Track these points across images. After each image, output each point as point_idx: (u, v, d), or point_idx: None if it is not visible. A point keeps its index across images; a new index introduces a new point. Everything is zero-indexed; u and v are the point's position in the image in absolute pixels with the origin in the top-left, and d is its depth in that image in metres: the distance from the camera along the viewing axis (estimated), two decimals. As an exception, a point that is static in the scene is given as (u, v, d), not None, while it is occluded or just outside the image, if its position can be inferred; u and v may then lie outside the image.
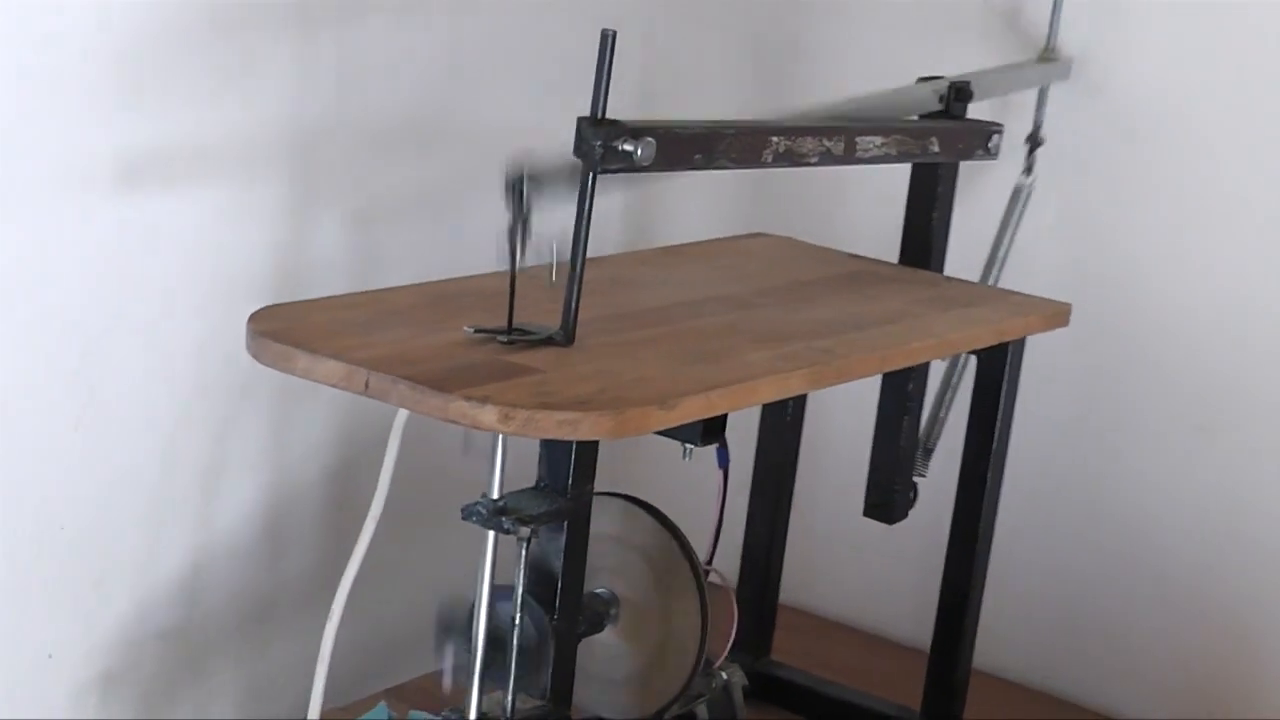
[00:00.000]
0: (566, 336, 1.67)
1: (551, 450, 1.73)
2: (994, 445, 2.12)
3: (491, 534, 1.70)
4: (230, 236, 2.12)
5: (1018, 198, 2.33)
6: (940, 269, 2.21)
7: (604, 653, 1.90)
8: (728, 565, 2.08)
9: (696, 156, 1.76)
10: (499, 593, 1.73)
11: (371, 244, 2.27)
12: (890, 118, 2.07)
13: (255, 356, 1.66)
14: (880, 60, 2.47)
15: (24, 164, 1.90)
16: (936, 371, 2.25)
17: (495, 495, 1.69)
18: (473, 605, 1.73)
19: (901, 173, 2.18)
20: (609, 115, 1.63)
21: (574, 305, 1.67)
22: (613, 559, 1.89)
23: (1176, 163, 2.32)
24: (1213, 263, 2.32)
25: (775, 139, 1.84)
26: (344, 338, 1.66)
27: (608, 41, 1.60)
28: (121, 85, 1.97)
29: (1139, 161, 2.34)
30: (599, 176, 1.64)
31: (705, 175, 2.34)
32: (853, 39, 2.51)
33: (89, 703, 2.11)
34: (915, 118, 2.14)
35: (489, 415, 1.52)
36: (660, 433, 1.74)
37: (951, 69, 2.20)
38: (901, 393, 2.15)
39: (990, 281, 2.30)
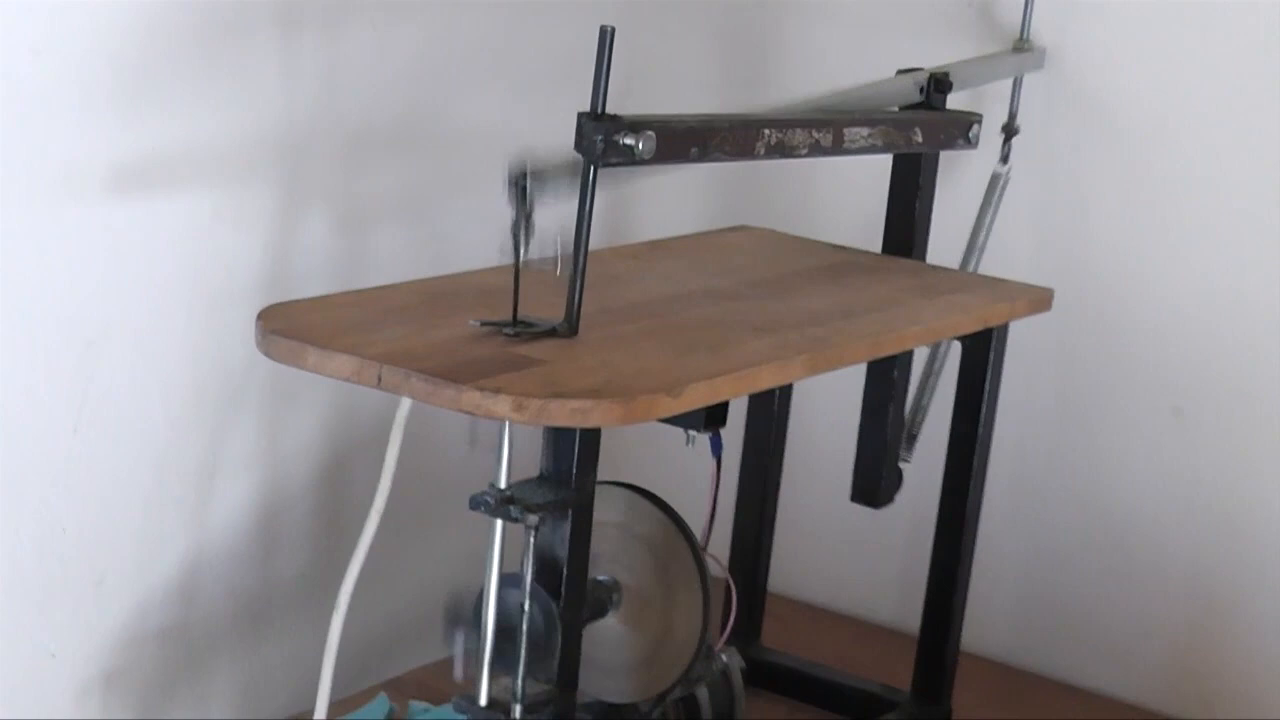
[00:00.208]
0: (570, 328, 1.71)
1: (556, 441, 1.75)
2: (979, 429, 2.16)
3: (499, 523, 1.72)
4: (221, 239, 2.14)
5: (994, 186, 2.36)
6: (923, 257, 2.25)
7: (607, 638, 1.92)
8: (718, 554, 2.10)
9: (693, 149, 1.79)
10: (505, 580, 1.75)
11: (359, 245, 2.30)
12: (874, 109, 2.10)
13: (267, 353, 1.68)
14: (853, 54, 2.51)
15: (18, 169, 1.92)
16: (918, 360, 2.28)
17: (503, 485, 1.72)
18: (480, 593, 1.75)
19: (872, 163, 2.21)
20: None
21: (578, 298, 1.70)
22: (615, 546, 1.92)
23: (1150, 150, 2.36)
24: (1186, 250, 2.36)
25: (768, 131, 1.88)
26: (351, 334, 1.69)
27: (606, 37, 1.63)
28: (114, 91, 1.99)
29: (1113, 149, 2.38)
30: (600, 171, 1.67)
31: (680, 168, 2.37)
32: (826, 33, 2.55)
33: (92, 701, 2.13)
34: (896, 109, 2.17)
35: (502, 405, 1.55)
36: (665, 420, 1.78)
37: (925, 62, 2.24)
38: (886, 380, 2.18)
39: (970, 269, 2.34)
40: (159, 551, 2.16)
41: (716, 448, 2.01)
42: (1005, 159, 2.37)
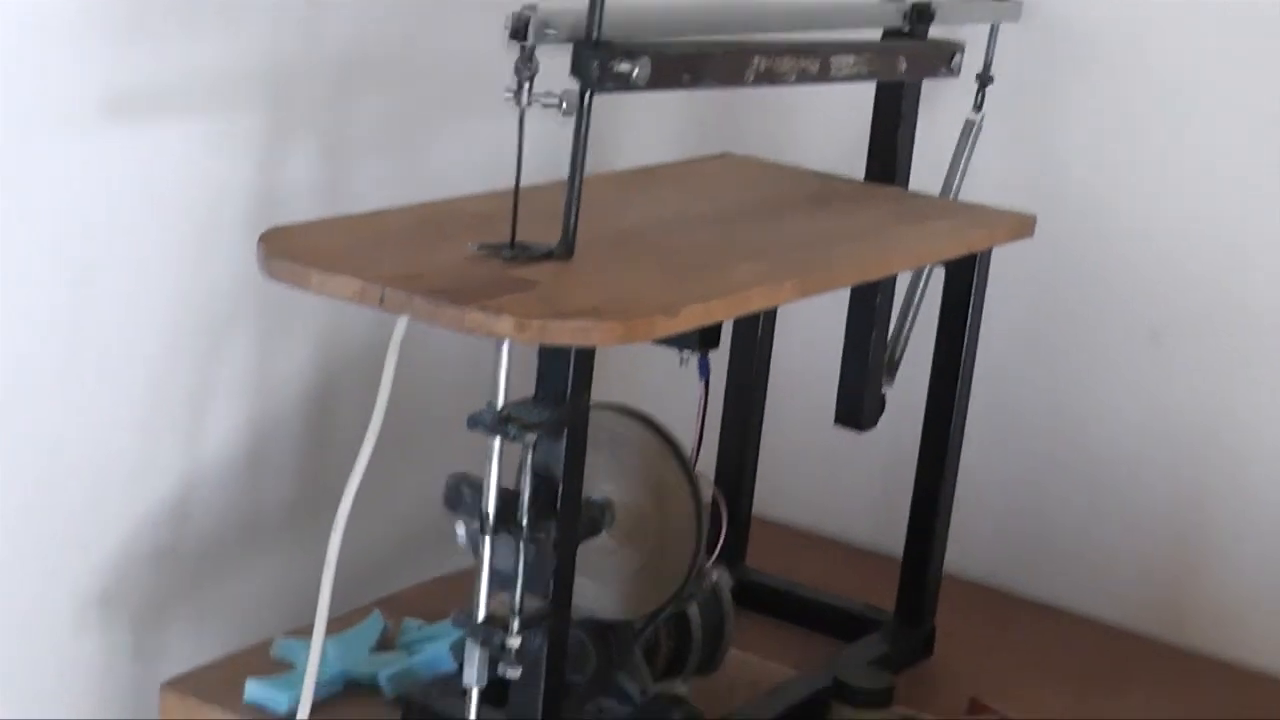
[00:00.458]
0: (567, 251, 1.74)
1: (550, 362, 1.79)
2: (962, 354, 2.20)
3: (496, 441, 1.75)
4: (212, 167, 2.17)
5: (969, 132, 2.39)
6: (905, 185, 2.28)
7: (601, 556, 1.96)
8: (706, 475, 2.14)
9: (685, 76, 1.82)
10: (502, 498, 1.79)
11: (347, 172, 2.32)
12: (853, 29, 2.13)
13: (269, 275, 1.72)
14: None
15: (11, 100, 1.95)
16: (901, 286, 2.32)
17: (500, 404, 1.75)
18: (479, 482, 1.78)
19: (849, 93, 2.24)
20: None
21: (573, 221, 1.73)
22: (608, 466, 1.95)
23: (1123, 82, 2.40)
24: (1162, 180, 2.40)
25: (757, 59, 1.91)
26: (353, 256, 1.72)
27: (598, -35, 1.66)
28: (106, 21, 2.01)
29: (1086, 84, 2.42)
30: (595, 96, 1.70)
31: (658, 99, 2.40)
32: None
33: (90, 621, 2.17)
34: (880, 36, 2.21)
35: (505, 324, 1.58)
36: (660, 341, 1.82)
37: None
38: (869, 306, 2.22)
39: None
40: (153, 473, 2.20)
41: (704, 371, 2.06)
42: (979, 106, 2.39)
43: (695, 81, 1.84)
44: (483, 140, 1.69)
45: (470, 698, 1.83)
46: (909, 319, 2.36)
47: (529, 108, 1.66)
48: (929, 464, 2.25)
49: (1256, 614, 2.41)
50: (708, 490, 2.00)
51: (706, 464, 2.19)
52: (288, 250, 1.73)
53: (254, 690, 2.03)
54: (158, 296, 2.15)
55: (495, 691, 1.87)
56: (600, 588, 1.97)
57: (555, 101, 1.68)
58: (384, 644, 2.17)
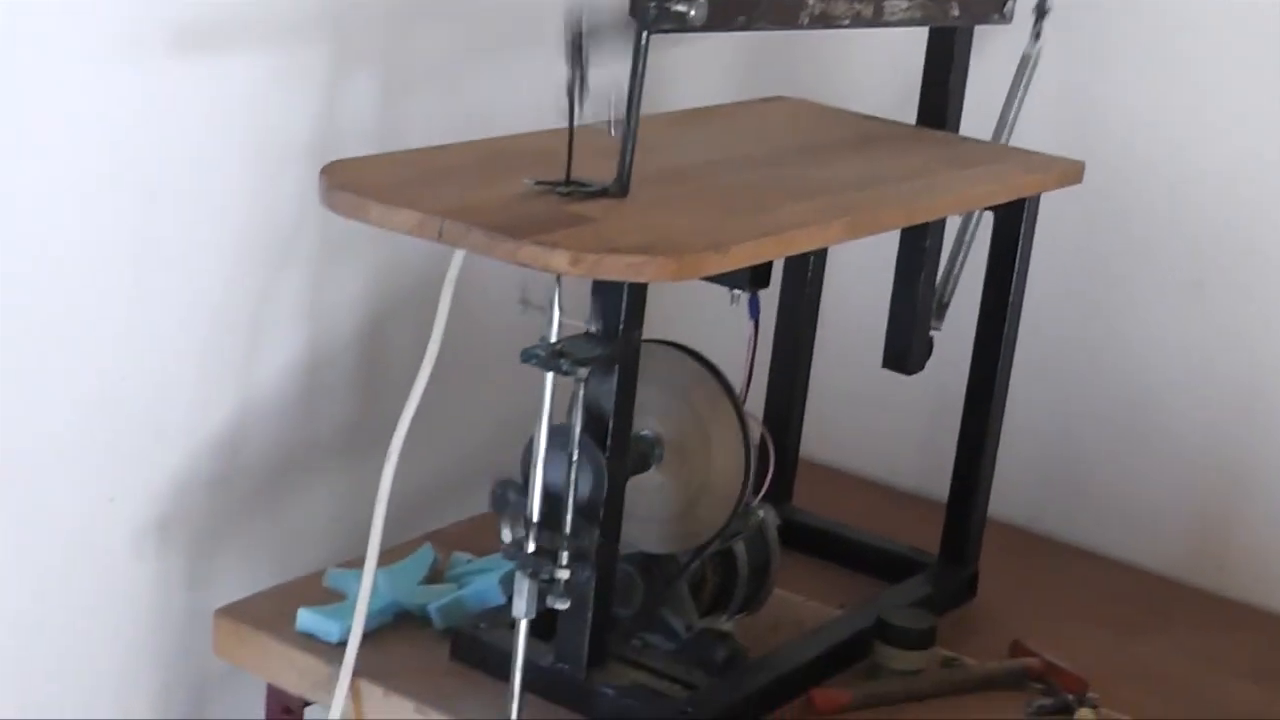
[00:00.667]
0: (621, 188, 1.76)
1: (604, 297, 1.82)
2: (1010, 299, 2.22)
3: (550, 376, 1.78)
4: (273, 101, 2.19)
5: (1025, 66, 2.40)
6: (956, 130, 2.29)
7: (649, 491, 1.98)
8: (754, 414, 2.16)
9: (740, 18, 1.84)
10: (554, 433, 1.82)
11: (407, 107, 2.34)
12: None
13: (330, 207, 1.74)
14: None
15: (80, 32, 1.97)
16: (950, 230, 2.33)
17: (553, 339, 1.78)
18: (527, 458, 1.81)
19: (901, 38, 2.25)
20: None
21: (628, 159, 1.75)
22: (659, 402, 1.97)
23: (1175, 27, 2.40)
24: (1206, 125, 2.41)
25: (812, 2, 1.93)
26: (412, 190, 1.75)
27: (657, -96, 1.68)
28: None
29: (1138, 27, 2.43)
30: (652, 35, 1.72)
31: (713, 42, 2.42)
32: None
33: (147, 547, 2.21)
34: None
35: (560, 259, 1.61)
36: (710, 279, 1.84)
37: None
38: (919, 249, 2.24)
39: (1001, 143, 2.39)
40: (211, 402, 2.24)
41: (754, 310, 2.08)
42: (1036, 38, 2.40)
43: (750, 23, 1.86)
44: (540, 76, 1.71)
45: (519, 629, 1.86)
46: (958, 263, 2.37)
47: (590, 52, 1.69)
48: (975, 408, 2.26)
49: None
50: (756, 429, 2.03)
51: (755, 404, 2.21)
52: (348, 183, 1.75)
53: (305, 619, 2.06)
54: (219, 228, 2.18)
55: (542, 625, 1.91)
56: (648, 522, 2.00)
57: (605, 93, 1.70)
58: (433, 577, 2.20)
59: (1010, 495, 2.49)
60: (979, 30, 2.27)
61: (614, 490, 1.86)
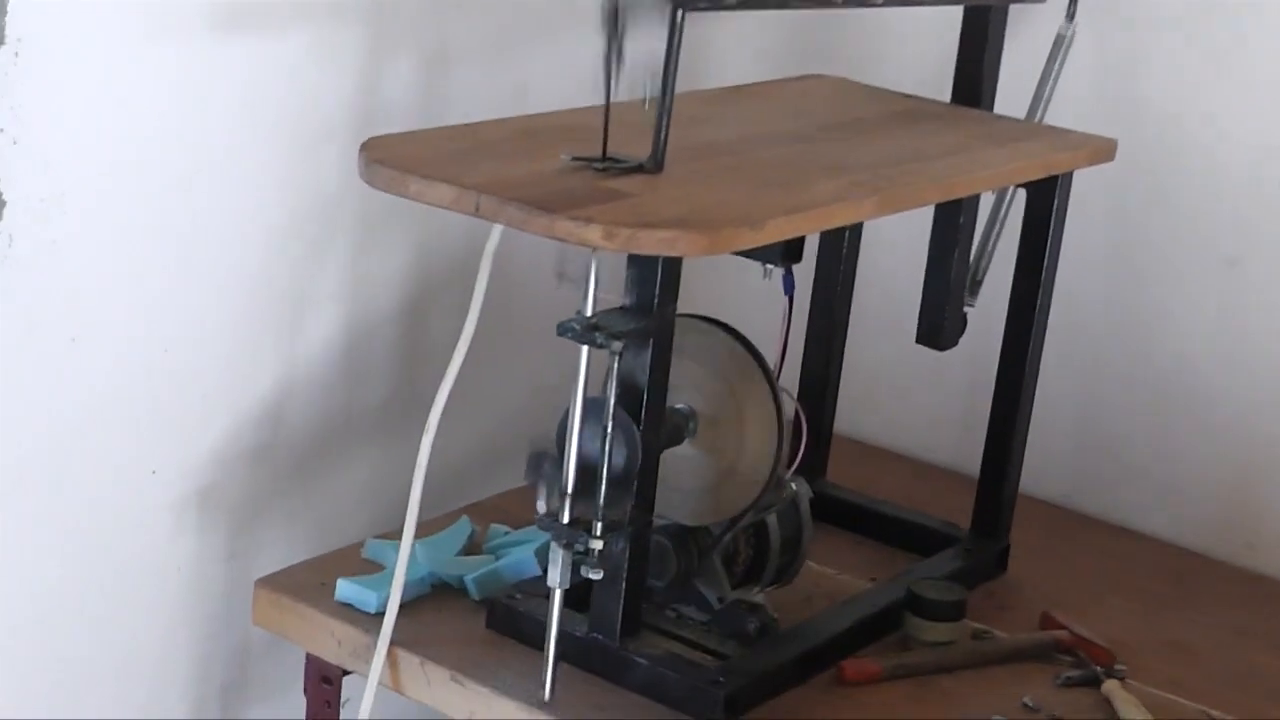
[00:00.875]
0: (656, 164, 1.79)
1: (639, 271, 1.84)
2: (1043, 275, 2.23)
3: (585, 349, 1.80)
4: (314, 78, 2.21)
5: (1060, 45, 2.41)
6: (990, 109, 2.31)
7: (683, 463, 2.01)
8: (788, 389, 2.18)
9: (775, -3, 1.86)
10: (588, 406, 1.84)
11: (445, 85, 2.37)
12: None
13: (370, 182, 1.77)
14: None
15: (121, 12, 2.00)
16: (984, 207, 2.35)
17: (589, 313, 1.80)
18: (562, 431, 1.84)
19: (936, 17, 2.26)
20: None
21: (663, 135, 1.78)
22: (693, 376, 2.00)
23: (1211, 6, 2.42)
24: (1243, 103, 2.42)
25: (847, -20, 1.95)
26: (449, 165, 1.78)
27: (696, -116, 1.70)
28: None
29: (1174, 5, 2.44)
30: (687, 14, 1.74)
31: (750, 21, 2.44)
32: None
33: (187, 518, 2.24)
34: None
35: (594, 233, 1.63)
36: (743, 253, 1.87)
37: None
38: (953, 225, 2.26)
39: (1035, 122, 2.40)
40: (253, 374, 2.26)
41: (789, 286, 2.09)
42: (1071, 17, 2.40)
43: (786, 2, 1.88)
44: (584, 58, 1.73)
45: (554, 599, 1.88)
46: (991, 239, 2.38)
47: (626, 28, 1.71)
48: (1007, 381, 2.28)
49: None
50: (789, 403, 2.05)
51: (790, 379, 2.23)
52: (387, 158, 1.78)
53: (345, 589, 2.09)
54: (261, 204, 2.21)
55: (577, 595, 1.93)
56: (681, 494, 2.02)
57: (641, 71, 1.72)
58: (471, 548, 2.23)
59: (1044, 472, 2.52)
60: (1014, 9, 2.29)
61: (648, 462, 1.89)
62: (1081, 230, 2.41)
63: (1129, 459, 2.56)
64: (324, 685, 2.12)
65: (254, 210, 2.20)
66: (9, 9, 1.87)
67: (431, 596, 2.12)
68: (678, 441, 2.00)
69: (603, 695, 1.94)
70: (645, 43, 1.74)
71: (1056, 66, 2.37)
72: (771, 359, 2.04)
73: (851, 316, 2.38)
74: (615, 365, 1.83)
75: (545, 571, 1.89)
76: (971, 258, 2.32)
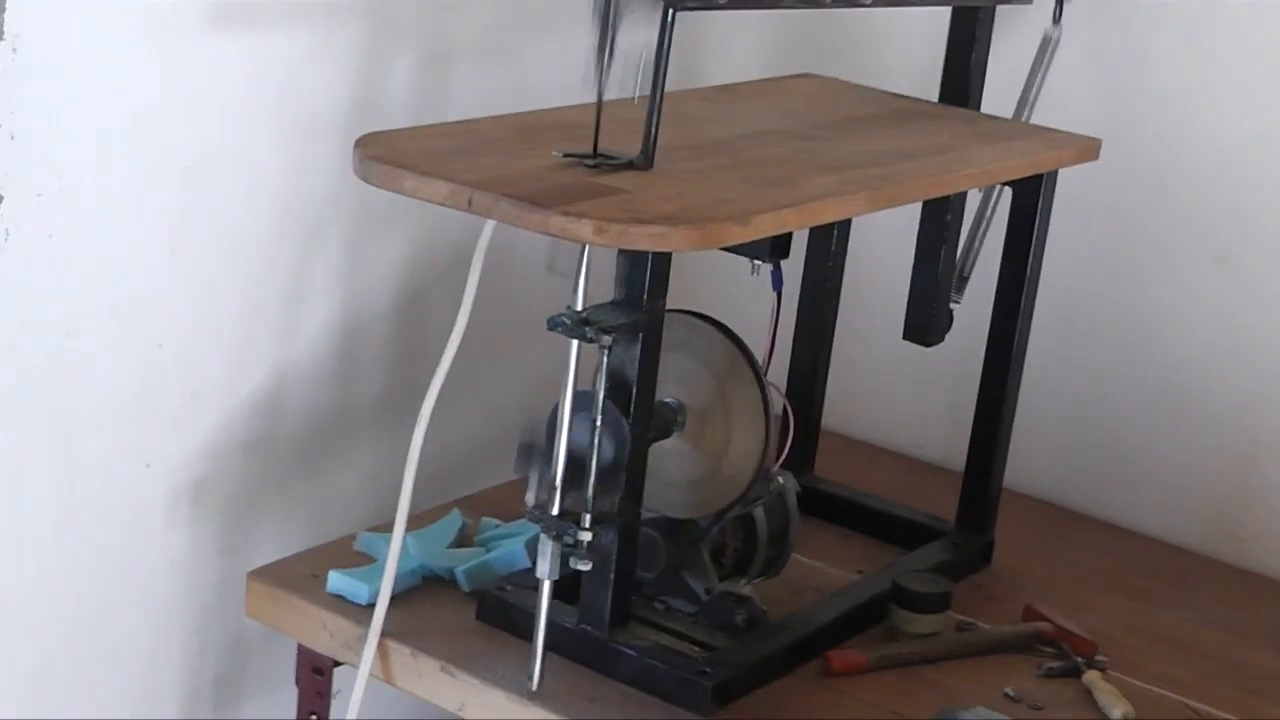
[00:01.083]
0: (647, 160, 1.81)
1: (629, 266, 1.86)
2: (1028, 271, 2.26)
3: (575, 343, 1.82)
4: (312, 74, 2.24)
5: (1046, 46, 2.43)
6: (978, 108, 2.33)
7: (671, 457, 2.03)
8: (776, 384, 2.20)
9: (765, -4, 1.88)
10: (578, 399, 1.86)
11: (442, 82, 2.39)
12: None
13: (365, 178, 1.79)
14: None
15: (121, 8, 2.02)
16: (970, 205, 2.37)
17: (579, 308, 1.82)
18: (551, 416, 1.86)
19: (925, 18, 2.29)
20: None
21: (654, 132, 1.80)
22: (682, 370, 2.02)
23: (1199, 9, 2.44)
24: (1230, 103, 2.44)
25: (836, -20, 1.97)
26: (443, 162, 1.80)
27: (687, -112, 1.72)
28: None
29: (1163, 7, 2.46)
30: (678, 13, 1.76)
31: (741, 21, 2.46)
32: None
33: (180, 511, 2.26)
34: (956, -37, 2.26)
35: (585, 228, 1.66)
36: (732, 249, 1.89)
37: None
38: (940, 222, 2.28)
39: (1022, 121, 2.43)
40: (247, 368, 2.28)
41: (777, 282, 2.12)
42: (1057, 19, 2.43)
43: (775, 3, 1.90)
44: (576, 52, 1.75)
45: (543, 590, 1.91)
46: (978, 236, 2.41)
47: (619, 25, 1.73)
48: (993, 377, 2.31)
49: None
50: (777, 398, 2.07)
51: (778, 374, 2.25)
52: (382, 154, 1.80)
53: (336, 581, 2.11)
54: (256, 199, 2.23)
55: (566, 587, 1.96)
56: (670, 487, 2.05)
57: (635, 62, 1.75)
58: (462, 541, 2.25)
59: (1031, 468, 2.54)
60: (1001, 10, 2.31)
61: (636, 455, 1.91)
62: (1073, 228, 2.43)
63: (1117, 455, 2.58)
64: (315, 676, 2.14)
65: (250, 205, 2.22)
66: (7, 6, 1.89)
67: (423, 588, 2.14)
68: (666, 435, 2.02)
69: (592, 686, 1.96)
70: (638, 39, 1.76)
71: (1043, 68, 2.40)
72: (760, 354, 2.06)
73: (840, 313, 2.41)
74: (605, 359, 1.85)
75: (535, 564, 1.91)
76: (958, 255, 2.34)
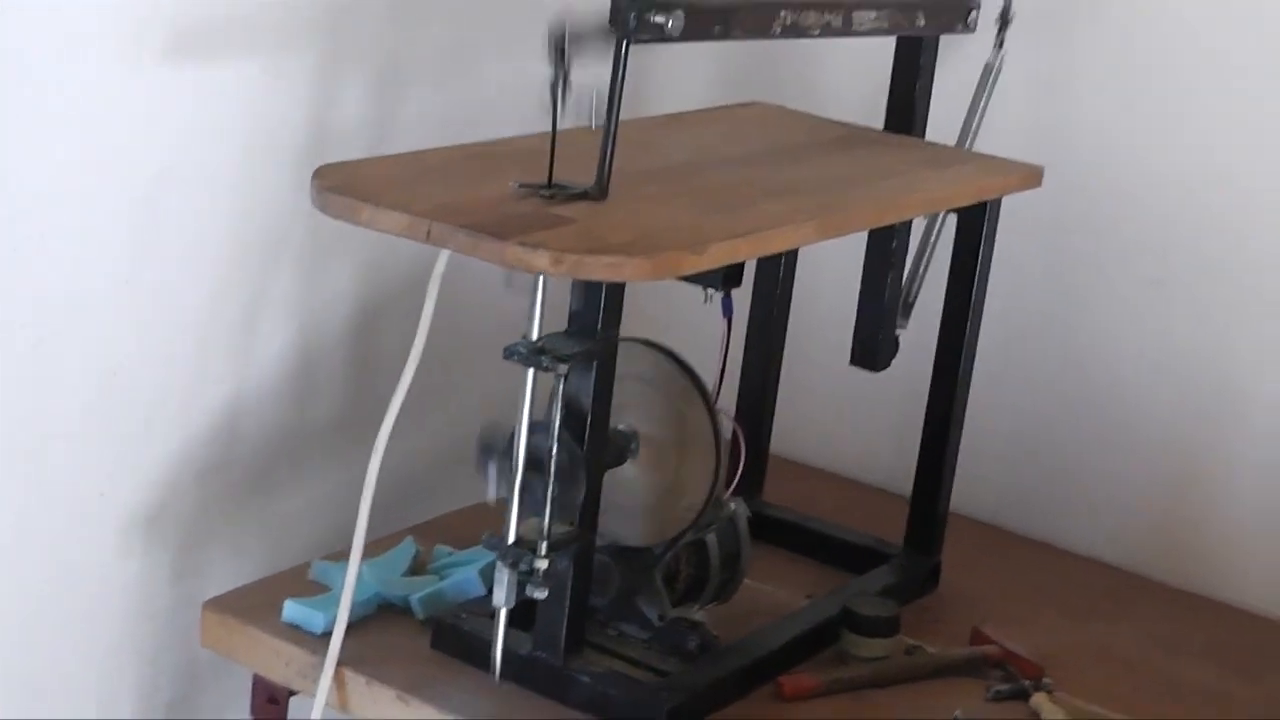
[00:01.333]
0: (600, 191, 1.83)
1: (583, 296, 1.88)
2: (973, 298, 2.29)
3: (531, 371, 1.84)
4: (268, 100, 2.25)
5: (988, 74, 2.46)
6: (922, 135, 2.36)
7: (625, 484, 2.05)
8: (726, 410, 2.23)
9: (716, 28, 1.90)
10: (533, 428, 1.88)
11: (396, 107, 2.40)
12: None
13: (322, 209, 1.81)
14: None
15: (83, 33, 2.04)
16: (915, 231, 2.40)
17: (535, 337, 1.84)
18: (511, 429, 1.88)
19: (868, 46, 2.31)
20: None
21: (608, 163, 1.82)
22: (635, 398, 2.04)
23: (1134, 39, 2.48)
24: (1166, 132, 2.48)
25: (784, 12, 1.99)
26: (399, 192, 1.82)
27: (637, -81, 1.74)
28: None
29: (1101, 40, 2.50)
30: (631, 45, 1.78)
31: (688, 50, 2.47)
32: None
33: (134, 540, 2.26)
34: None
35: (542, 259, 1.67)
36: (686, 278, 1.91)
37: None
38: (885, 250, 2.31)
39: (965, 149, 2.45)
40: (202, 395, 2.29)
41: (727, 309, 2.14)
42: (1000, 46, 2.46)
43: (725, 33, 1.92)
44: (533, 79, 1.77)
45: (499, 618, 1.92)
46: (923, 263, 2.43)
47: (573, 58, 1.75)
48: (939, 401, 2.34)
49: (1245, 555, 2.50)
50: (728, 425, 2.09)
51: (728, 400, 2.27)
52: (339, 185, 1.82)
53: (292, 610, 2.12)
54: (211, 226, 2.24)
55: (520, 614, 1.97)
56: (623, 514, 2.06)
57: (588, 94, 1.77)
58: (416, 569, 2.26)
59: (976, 491, 2.56)
60: (945, 39, 2.34)
61: (591, 483, 1.92)
62: (1015, 253, 2.46)
63: (1057, 477, 2.61)
64: (271, 705, 2.15)
65: (206, 232, 2.23)
66: (-35, 33, 1.90)
67: (377, 617, 2.15)
68: (619, 463, 2.04)
69: (548, 712, 1.98)
70: (592, 67, 1.78)
71: (985, 95, 2.42)
72: (710, 381, 2.08)
73: (788, 339, 2.43)
74: (560, 387, 1.87)
75: (490, 591, 1.92)
76: (904, 281, 2.37)
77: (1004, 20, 2.45)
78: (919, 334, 2.37)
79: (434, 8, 2.43)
